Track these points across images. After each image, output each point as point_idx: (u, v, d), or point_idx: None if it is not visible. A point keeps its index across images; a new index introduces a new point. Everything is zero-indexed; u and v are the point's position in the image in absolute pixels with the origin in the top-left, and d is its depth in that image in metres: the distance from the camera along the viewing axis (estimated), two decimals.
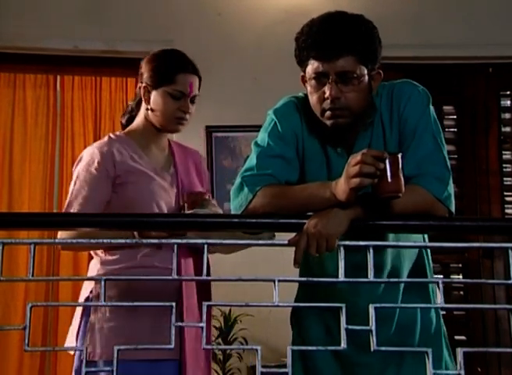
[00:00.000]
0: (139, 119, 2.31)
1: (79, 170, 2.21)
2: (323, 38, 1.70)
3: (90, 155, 2.21)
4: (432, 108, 1.82)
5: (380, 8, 3.94)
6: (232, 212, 1.77)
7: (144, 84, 2.26)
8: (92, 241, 1.68)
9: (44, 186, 3.97)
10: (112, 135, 2.28)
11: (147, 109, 2.26)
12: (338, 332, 1.85)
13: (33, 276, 1.45)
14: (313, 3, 3.92)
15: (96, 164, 2.18)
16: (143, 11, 4.02)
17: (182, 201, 2.24)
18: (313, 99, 1.76)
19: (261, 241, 1.88)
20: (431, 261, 1.94)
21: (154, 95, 2.23)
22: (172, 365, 2.16)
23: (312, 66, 1.73)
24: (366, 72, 1.72)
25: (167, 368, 2.15)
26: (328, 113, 1.72)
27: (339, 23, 1.72)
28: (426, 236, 1.91)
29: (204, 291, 2.25)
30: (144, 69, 2.28)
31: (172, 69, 2.23)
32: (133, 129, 2.31)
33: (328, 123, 1.74)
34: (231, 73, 3.98)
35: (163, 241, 1.63)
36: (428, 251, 1.94)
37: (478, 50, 4.01)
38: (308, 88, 1.77)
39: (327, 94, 1.70)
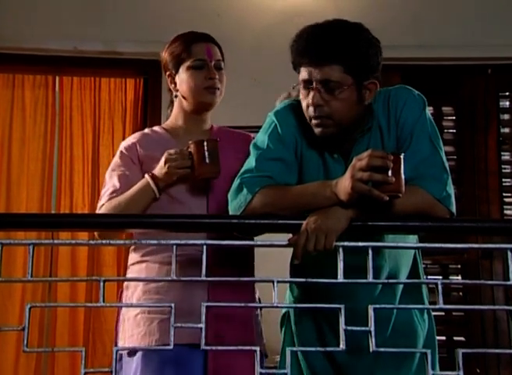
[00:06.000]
0: (172, 113, 2.23)
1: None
2: (310, 46, 1.70)
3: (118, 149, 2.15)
4: (428, 111, 1.81)
5: (378, 9, 3.94)
6: (231, 213, 1.77)
7: (168, 73, 2.17)
8: (91, 242, 1.68)
9: (43, 186, 3.96)
10: (146, 130, 2.21)
11: (176, 97, 2.17)
12: (332, 336, 1.86)
13: (31, 276, 1.45)
14: (312, 4, 3.92)
15: (119, 154, 2.12)
16: (142, 12, 4.02)
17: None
18: (303, 106, 1.77)
19: (259, 242, 1.88)
20: (422, 267, 1.95)
21: (179, 78, 2.14)
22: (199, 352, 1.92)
23: (301, 72, 1.74)
24: (352, 82, 1.70)
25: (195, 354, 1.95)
26: (313, 121, 1.74)
27: (330, 31, 1.70)
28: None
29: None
30: (163, 58, 2.19)
31: (185, 44, 2.14)
32: (168, 122, 2.24)
33: (316, 131, 1.74)
34: (230, 74, 3.95)
35: (162, 242, 1.63)
36: (420, 256, 1.95)
37: (477, 51, 4.01)
38: (300, 95, 1.78)
39: (309, 101, 1.71)
